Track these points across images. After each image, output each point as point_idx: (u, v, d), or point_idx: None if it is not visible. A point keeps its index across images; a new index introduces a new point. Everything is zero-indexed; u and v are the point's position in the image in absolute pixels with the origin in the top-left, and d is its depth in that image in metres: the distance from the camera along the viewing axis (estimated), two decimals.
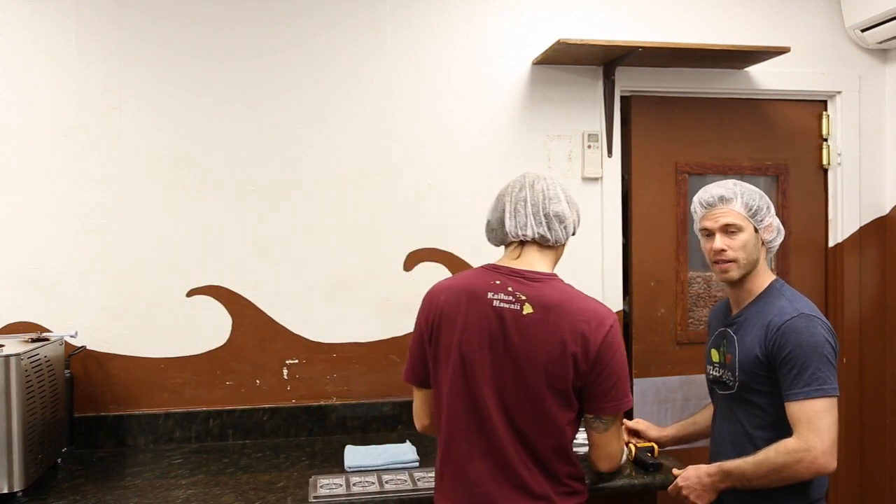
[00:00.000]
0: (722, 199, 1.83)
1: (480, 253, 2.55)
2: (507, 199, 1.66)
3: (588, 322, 1.54)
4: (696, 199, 1.90)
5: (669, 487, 1.86)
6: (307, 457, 2.30)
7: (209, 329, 2.50)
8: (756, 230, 1.82)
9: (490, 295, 1.58)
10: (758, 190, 1.85)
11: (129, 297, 2.45)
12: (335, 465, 2.20)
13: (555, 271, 1.67)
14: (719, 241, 1.82)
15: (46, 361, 2.12)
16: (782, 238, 1.88)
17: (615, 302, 2.75)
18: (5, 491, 1.91)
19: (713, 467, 1.77)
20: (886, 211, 2.97)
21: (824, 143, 2.96)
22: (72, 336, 2.33)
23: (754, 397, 1.79)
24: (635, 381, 2.76)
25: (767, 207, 1.83)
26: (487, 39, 2.67)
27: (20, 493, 1.94)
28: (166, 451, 2.38)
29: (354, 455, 2.21)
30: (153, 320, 2.46)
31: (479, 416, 1.56)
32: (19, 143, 2.38)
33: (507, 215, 1.64)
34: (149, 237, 2.46)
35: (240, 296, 2.51)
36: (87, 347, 2.40)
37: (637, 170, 2.83)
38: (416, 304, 1.75)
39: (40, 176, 2.40)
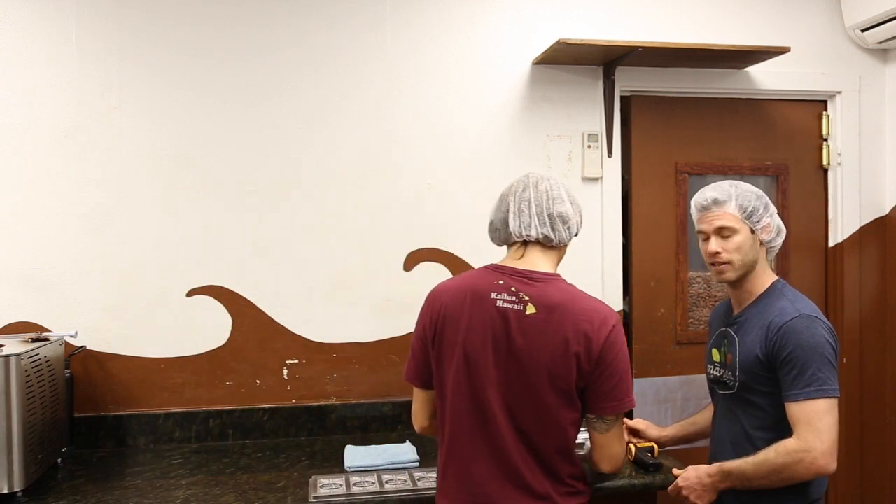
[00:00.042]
0: (715, 202, 1.83)
1: (480, 253, 2.55)
2: (510, 198, 1.65)
3: (591, 322, 1.54)
4: (692, 201, 1.91)
5: (669, 487, 1.85)
6: (307, 457, 2.30)
7: (209, 329, 2.50)
8: (752, 231, 1.81)
9: (493, 295, 1.58)
10: (755, 191, 1.84)
11: (129, 297, 2.45)
12: (335, 465, 2.20)
13: (556, 271, 1.67)
14: (714, 244, 1.83)
15: (46, 361, 2.12)
16: (783, 238, 1.87)
17: (615, 302, 2.75)
18: (5, 491, 1.91)
19: (713, 467, 1.77)
20: (886, 211, 2.97)
21: (824, 143, 2.97)
22: (72, 336, 2.33)
23: (754, 397, 1.79)
24: (635, 381, 2.76)
25: (765, 208, 1.82)
26: (487, 39, 2.67)
27: (20, 493, 1.94)
28: (166, 451, 2.38)
29: (354, 455, 2.21)
30: (153, 320, 2.46)
31: (483, 416, 1.56)
32: (19, 143, 2.38)
33: (511, 215, 1.64)
34: (149, 237, 2.46)
35: (240, 296, 2.51)
36: (87, 347, 2.41)
37: (637, 170, 2.83)
38: (416, 304, 1.75)
39: (40, 176, 2.40)
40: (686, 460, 2.04)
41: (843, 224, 2.94)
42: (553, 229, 1.63)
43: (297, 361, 2.56)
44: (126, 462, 2.30)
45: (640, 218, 2.83)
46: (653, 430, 2.14)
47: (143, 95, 2.46)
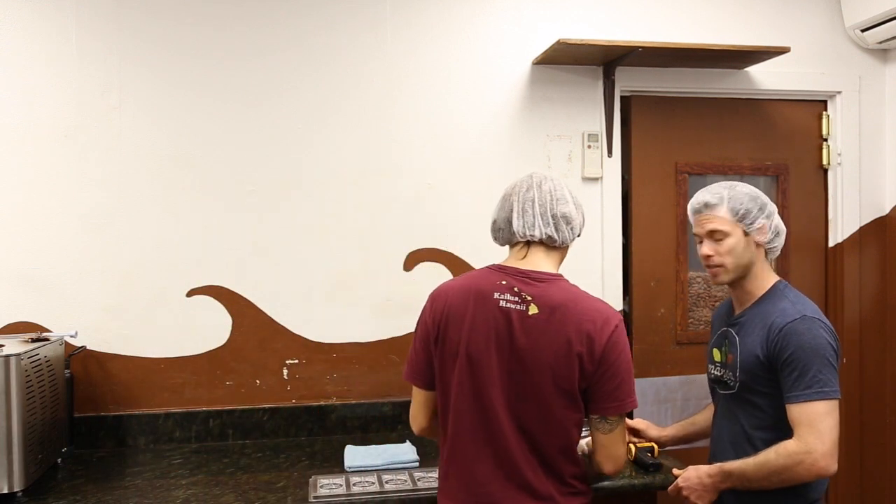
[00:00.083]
0: (706, 205, 1.84)
1: (480, 253, 2.56)
2: (514, 198, 1.65)
3: (593, 322, 1.54)
4: (688, 205, 1.92)
5: (670, 488, 1.85)
6: (307, 457, 2.30)
7: (209, 329, 2.50)
8: (746, 234, 1.81)
9: (496, 295, 1.58)
10: (750, 193, 1.83)
11: (129, 297, 2.45)
12: (335, 465, 2.20)
13: (559, 272, 1.67)
14: (706, 247, 1.84)
15: (46, 361, 2.12)
16: (782, 239, 1.87)
17: (615, 302, 2.75)
18: (5, 491, 1.91)
19: (714, 468, 1.77)
20: (886, 211, 2.97)
21: (824, 143, 2.97)
22: (72, 336, 2.33)
23: (754, 398, 1.79)
24: (635, 381, 2.75)
25: (759, 209, 1.81)
26: (487, 39, 2.67)
27: (20, 493, 1.94)
28: (166, 451, 2.38)
29: (354, 455, 2.21)
30: (153, 320, 2.46)
31: (486, 416, 1.56)
32: (19, 143, 2.38)
33: (515, 215, 1.64)
34: (149, 237, 2.46)
35: (240, 296, 2.51)
36: (87, 347, 2.41)
37: (637, 170, 2.83)
38: (416, 304, 1.75)
39: (40, 176, 2.40)
40: (686, 460, 2.04)
41: (843, 224, 2.94)
42: (557, 230, 1.63)
43: (297, 361, 2.56)
44: (126, 462, 2.30)
45: (640, 218, 2.83)
46: (653, 430, 2.13)
47: (143, 95, 2.46)
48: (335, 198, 2.58)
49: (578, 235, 1.69)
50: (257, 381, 2.53)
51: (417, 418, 1.73)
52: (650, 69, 2.78)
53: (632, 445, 2.07)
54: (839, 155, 2.94)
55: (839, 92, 2.93)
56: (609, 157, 2.76)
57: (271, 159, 2.54)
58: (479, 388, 1.56)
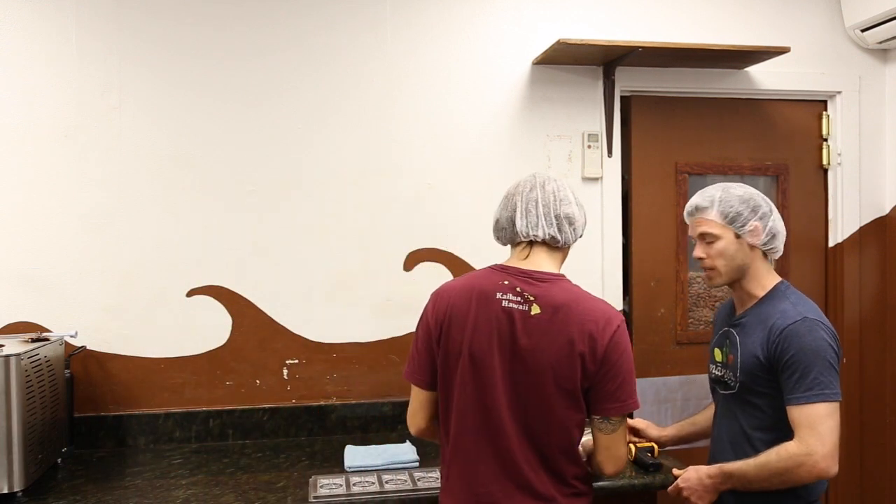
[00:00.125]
0: (697, 208, 1.86)
1: (480, 253, 2.56)
2: (517, 198, 1.65)
3: (596, 322, 1.54)
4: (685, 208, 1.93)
5: (670, 488, 1.85)
6: (307, 457, 2.30)
7: (209, 329, 2.50)
8: (738, 236, 1.81)
9: (499, 295, 1.58)
10: (742, 195, 1.82)
11: (129, 297, 2.45)
12: (335, 465, 2.20)
13: (560, 272, 1.67)
14: (697, 250, 1.86)
15: (46, 361, 2.12)
16: (781, 240, 1.85)
17: (615, 302, 2.75)
18: (5, 491, 1.91)
19: (714, 469, 1.76)
20: (886, 211, 2.97)
21: (824, 143, 2.97)
22: (72, 336, 2.33)
23: (754, 398, 1.79)
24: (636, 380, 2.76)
25: (751, 211, 1.80)
26: (487, 39, 2.67)
27: (20, 493, 1.94)
28: (166, 451, 2.38)
29: (354, 455, 2.21)
30: (153, 320, 2.46)
31: (488, 416, 1.56)
32: (19, 143, 2.38)
33: (519, 215, 1.64)
34: (149, 237, 2.46)
35: (240, 296, 2.51)
36: (87, 347, 2.41)
37: (637, 170, 2.83)
38: (416, 304, 1.75)
39: (40, 176, 2.40)
40: (686, 460, 2.04)
41: (843, 224, 2.94)
42: (560, 230, 1.63)
43: (297, 361, 2.56)
44: (126, 462, 2.30)
45: (640, 218, 2.83)
46: (653, 430, 2.13)
47: (143, 95, 2.46)
48: (335, 198, 2.58)
49: (580, 236, 1.69)
50: (257, 381, 2.53)
51: (416, 419, 1.72)
52: (650, 69, 2.78)
53: (632, 445, 2.07)
54: (839, 155, 2.94)
55: (839, 92, 2.93)
56: (609, 157, 2.76)
57: (271, 159, 2.54)
58: (481, 388, 1.56)
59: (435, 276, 2.58)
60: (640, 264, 2.82)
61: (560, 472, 1.57)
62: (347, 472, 2.12)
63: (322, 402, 2.55)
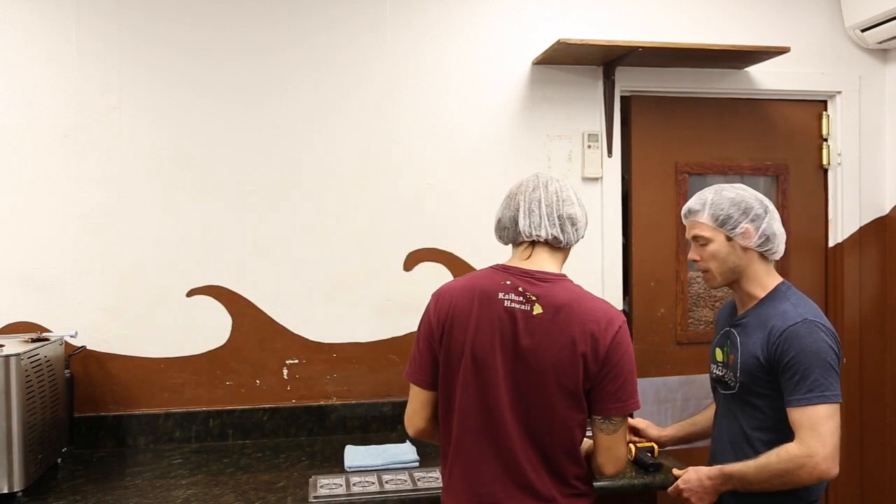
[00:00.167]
0: (690, 211, 1.88)
1: (480, 253, 2.56)
2: (520, 198, 1.65)
3: (598, 322, 1.54)
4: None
5: (670, 489, 1.85)
6: (307, 457, 2.30)
7: (209, 329, 2.50)
8: (729, 238, 1.81)
9: (501, 295, 1.58)
10: (734, 197, 1.82)
11: (129, 297, 2.45)
12: (335, 465, 2.20)
13: (562, 272, 1.67)
14: (691, 252, 1.89)
15: (46, 361, 2.12)
16: (778, 242, 1.84)
17: (615, 302, 2.75)
18: (5, 491, 1.91)
19: (714, 470, 1.76)
20: (886, 211, 2.97)
21: (824, 143, 2.97)
22: (72, 336, 2.33)
23: (754, 399, 1.79)
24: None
25: (742, 213, 1.79)
26: (487, 39, 2.67)
27: (20, 493, 1.94)
28: (166, 451, 2.38)
29: (354, 455, 2.21)
30: (153, 320, 2.46)
31: (491, 416, 1.56)
32: (19, 143, 2.38)
33: (521, 214, 1.63)
34: (149, 237, 2.46)
35: (240, 296, 2.51)
36: (87, 347, 2.41)
37: (637, 170, 2.83)
38: (416, 304, 1.75)
39: (40, 176, 2.40)
40: (686, 460, 2.04)
41: (843, 224, 2.94)
42: (562, 231, 1.63)
43: (297, 361, 2.56)
44: (126, 462, 2.30)
45: (640, 218, 2.83)
46: (653, 430, 2.13)
47: (143, 95, 2.46)
48: (335, 198, 2.58)
49: (582, 237, 1.69)
50: (257, 381, 2.53)
51: (415, 419, 1.71)
52: (650, 69, 2.78)
53: (632, 445, 2.07)
54: (839, 155, 2.94)
55: (839, 92, 2.93)
56: (609, 157, 2.76)
57: (271, 159, 2.54)
58: (483, 388, 1.56)
59: (435, 277, 2.58)
60: (640, 264, 2.82)
61: (562, 473, 1.57)
62: (347, 472, 2.12)
63: (322, 402, 2.55)
